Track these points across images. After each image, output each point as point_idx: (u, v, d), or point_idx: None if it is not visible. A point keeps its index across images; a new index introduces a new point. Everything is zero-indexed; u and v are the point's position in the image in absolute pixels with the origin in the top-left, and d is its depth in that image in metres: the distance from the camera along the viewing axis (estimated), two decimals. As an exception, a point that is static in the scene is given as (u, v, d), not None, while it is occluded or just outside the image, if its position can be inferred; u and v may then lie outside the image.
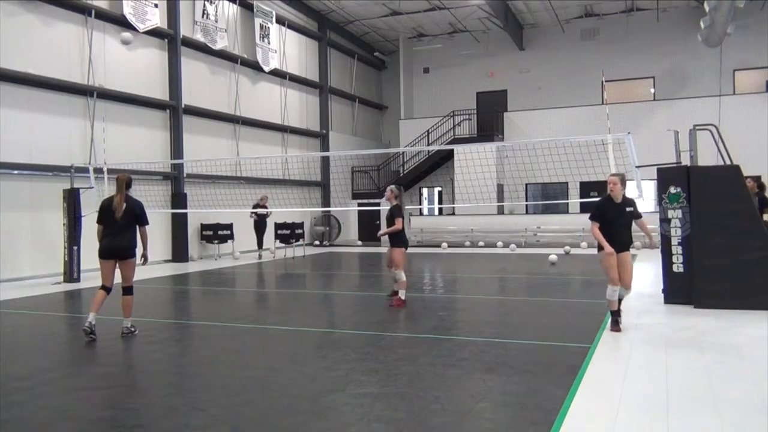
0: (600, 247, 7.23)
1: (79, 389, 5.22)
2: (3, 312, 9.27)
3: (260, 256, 18.12)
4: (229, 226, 18.26)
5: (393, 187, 9.23)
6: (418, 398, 4.68)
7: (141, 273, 14.22)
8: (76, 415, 4.59)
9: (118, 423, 4.34)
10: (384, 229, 9.22)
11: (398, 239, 8.94)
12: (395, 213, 8.90)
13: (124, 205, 7.28)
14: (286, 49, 22.51)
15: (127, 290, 7.34)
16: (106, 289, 7.22)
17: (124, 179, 7.43)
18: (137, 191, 15.21)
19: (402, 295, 8.89)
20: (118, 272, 7.36)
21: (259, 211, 17.76)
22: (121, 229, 7.24)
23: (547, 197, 24.22)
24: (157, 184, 16.93)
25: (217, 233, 18.13)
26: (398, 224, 8.80)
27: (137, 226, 7.38)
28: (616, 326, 7.01)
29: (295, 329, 7.73)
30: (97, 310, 7.09)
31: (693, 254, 8.39)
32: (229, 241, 18.37)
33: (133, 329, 7.33)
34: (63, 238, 13.04)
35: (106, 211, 7.34)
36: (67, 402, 4.88)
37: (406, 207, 24.93)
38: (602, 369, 5.45)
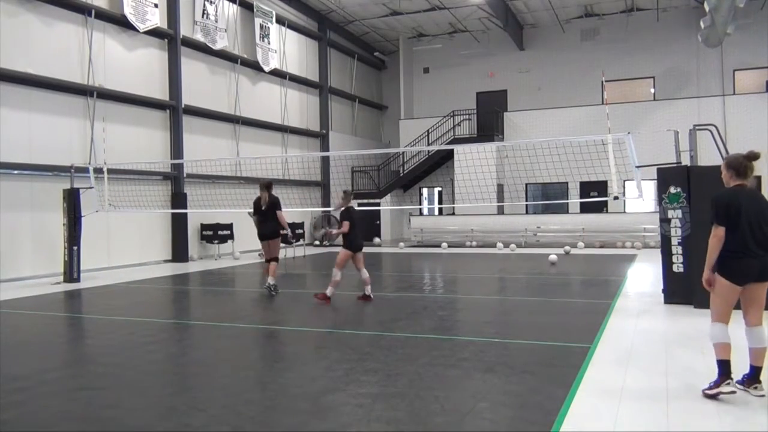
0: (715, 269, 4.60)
1: (79, 389, 5.22)
2: (3, 312, 9.27)
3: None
4: (229, 226, 18.27)
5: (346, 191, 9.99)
6: (418, 398, 4.67)
7: (141, 273, 14.26)
8: (76, 415, 4.59)
9: (118, 423, 4.34)
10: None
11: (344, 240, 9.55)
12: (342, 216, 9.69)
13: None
14: (286, 49, 22.52)
15: (273, 259, 10.29)
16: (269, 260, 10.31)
17: (265, 183, 10.23)
18: (137, 191, 15.32)
19: (328, 291, 9.39)
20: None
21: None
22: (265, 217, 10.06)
23: (547, 197, 24.22)
24: (157, 184, 16.93)
25: (217, 233, 18.14)
26: (345, 227, 9.34)
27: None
28: (716, 384, 4.51)
29: (295, 329, 7.73)
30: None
31: (693, 254, 8.37)
32: (229, 241, 18.37)
33: (272, 289, 10.11)
34: (63, 238, 13.04)
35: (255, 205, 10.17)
36: (67, 402, 4.88)
37: (407, 207, 25.03)
38: (602, 369, 5.45)
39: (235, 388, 5.06)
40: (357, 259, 9.51)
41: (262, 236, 10.31)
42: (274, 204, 10.14)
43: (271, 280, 10.20)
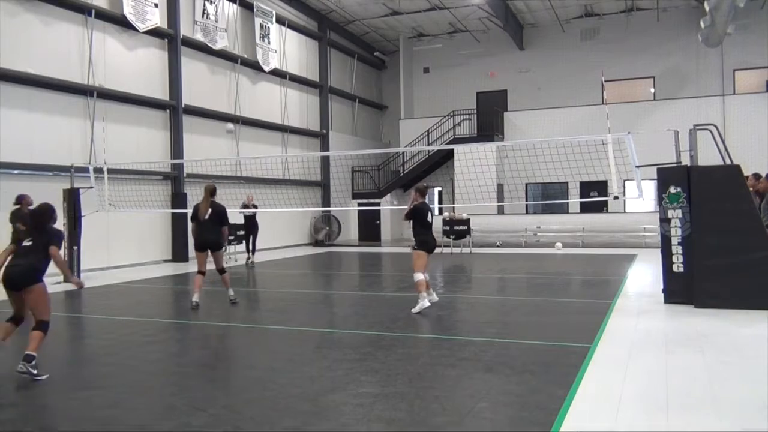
0: None
1: (79, 389, 5.21)
2: (3, 312, 9.26)
3: (251, 262, 16.36)
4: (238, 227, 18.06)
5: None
6: (418, 398, 4.67)
7: (141, 273, 14.25)
8: (76, 414, 4.59)
9: (118, 423, 4.34)
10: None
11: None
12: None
13: (209, 210, 9.05)
14: (286, 48, 22.51)
15: (221, 270, 9.44)
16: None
17: (210, 188, 9.24)
18: (137, 191, 15.32)
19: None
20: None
21: (246, 211, 16.69)
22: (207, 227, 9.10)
23: (547, 197, 24.23)
24: (157, 184, 16.93)
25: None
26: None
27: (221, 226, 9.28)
28: None
29: (295, 329, 7.73)
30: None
31: (693, 254, 8.38)
32: (229, 240, 18.30)
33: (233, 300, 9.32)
34: (63, 238, 13.01)
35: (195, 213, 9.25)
36: (67, 402, 4.88)
37: (407, 207, 24.97)
38: (602, 369, 5.45)
39: (235, 388, 5.06)
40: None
41: (203, 246, 9.22)
42: (221, 216, 9.22)
43: (231, 292, 9.47)
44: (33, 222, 6.16)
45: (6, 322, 5.81)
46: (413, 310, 8.28)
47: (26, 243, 5.89)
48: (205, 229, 9.10)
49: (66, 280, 6.27)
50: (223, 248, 9.42)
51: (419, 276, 8.34)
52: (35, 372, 5.35)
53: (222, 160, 18.61)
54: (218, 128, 19.26)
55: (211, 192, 9.19)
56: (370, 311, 8.89)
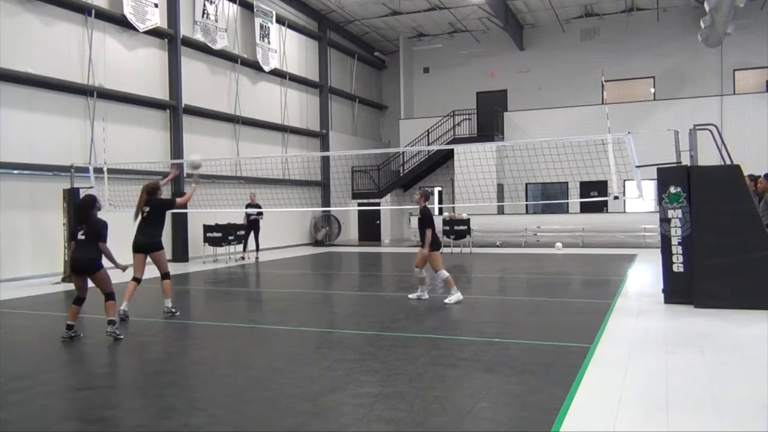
0: None
1: (79, 389, 5.22)
2: (3, 312, 9.27)
3: (244, 258, 17.29)
4: (237, 227, 18.08)
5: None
6: (418, 398, 4.67)
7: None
8: (76, 415, 4.59)
9: (118, 423, 4.34)
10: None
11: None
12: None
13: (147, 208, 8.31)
14: (286, 48, 22.52)
15: (165, 276, 8.56)
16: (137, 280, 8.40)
17: (149, 186, 8.44)
18: (137, 191, 15.24)
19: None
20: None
21: (249, 211, 17.08)
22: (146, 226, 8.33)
23: (547, 197, 24.23)
24: (157, 184, 16.90)
25: (217, 233, 17.98)
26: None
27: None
28: None
29: (295, 329, 7.73)
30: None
31: (693, 254, 8.38)
32: (228, 240, 18.31)
33: (172, 312, 8.43)
34: (63, 238, 13.04)
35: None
36: (67, 402, 4.88)
37: (407, 207, 25.04)
38: (602, 369, 5.44)
39: (235, 388, 5.06)
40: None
41: (140, 247, 8.19)
42: (163, 206, 8.39)
43: (168, 303, 8.47)
44: (78, 214, 6.99)
45: (73, 305, 6.98)
46: (447, 301, 9.15)
47: (80, 237, 6.83)
48: (144, 227, 8.20)
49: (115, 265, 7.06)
50: (163, 248, 8.41)
51: (446, 273, 9.37)
52: (118, 332, 6.86)
53: (222, 160, 18.62)
54: (218, 128, 19.27)
55: (148, 192, 8.25)
56: (370, 311, 8.89)
